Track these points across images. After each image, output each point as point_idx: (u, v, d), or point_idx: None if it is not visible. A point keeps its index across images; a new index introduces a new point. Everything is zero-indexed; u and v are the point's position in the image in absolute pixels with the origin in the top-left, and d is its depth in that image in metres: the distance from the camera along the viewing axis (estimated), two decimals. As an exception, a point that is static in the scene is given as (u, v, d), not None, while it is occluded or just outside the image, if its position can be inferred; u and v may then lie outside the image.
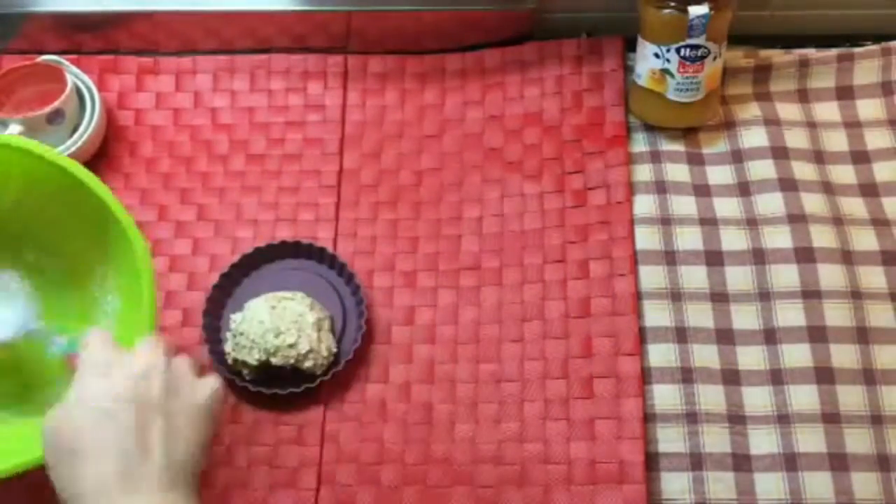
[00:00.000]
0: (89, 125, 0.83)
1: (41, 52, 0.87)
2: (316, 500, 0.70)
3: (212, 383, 0.56)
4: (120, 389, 0.51)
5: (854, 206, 0.80)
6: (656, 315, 0.75)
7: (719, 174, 0.82)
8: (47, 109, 0.80)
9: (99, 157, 0.85)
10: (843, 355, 0.72)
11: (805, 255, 0.76)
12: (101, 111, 0.84)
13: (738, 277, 0.76)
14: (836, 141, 0.84)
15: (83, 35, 0.89)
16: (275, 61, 0.89)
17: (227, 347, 0.73)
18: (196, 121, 0.88)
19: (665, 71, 0.79)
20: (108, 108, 0.87)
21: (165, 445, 0.50)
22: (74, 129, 0.83)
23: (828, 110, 0.85)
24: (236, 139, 0.87)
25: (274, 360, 0.71)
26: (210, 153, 0.86)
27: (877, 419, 0.70)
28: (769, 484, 0.69)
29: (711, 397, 0.72)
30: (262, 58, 0.89)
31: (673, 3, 0.76)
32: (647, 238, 0.78)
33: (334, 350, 0.73)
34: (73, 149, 0.81)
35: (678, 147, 0.83)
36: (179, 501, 0.49)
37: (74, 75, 0.84)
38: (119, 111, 0.88)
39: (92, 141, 0.83)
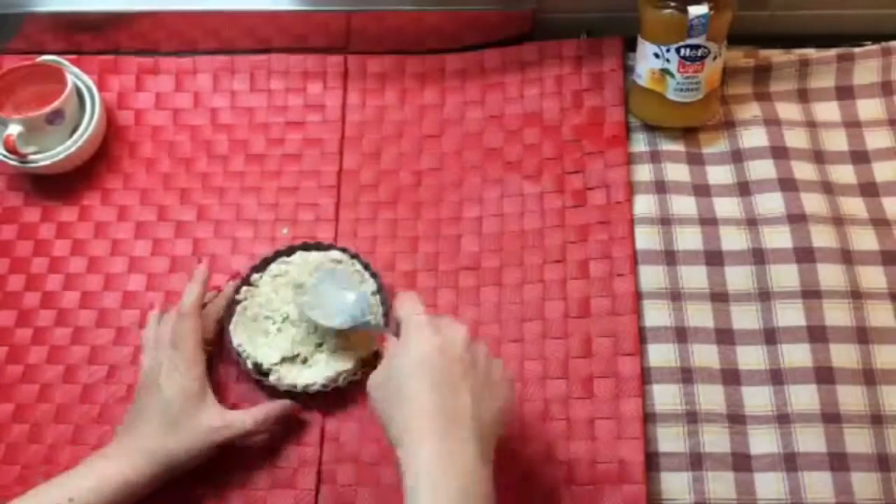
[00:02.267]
0: (89, 125, 0.83)
1: (41, 53, 0.87)
2: (316, 500, 0.71)
3: (504, 370, 0.63)
4: (441, 346, 0.59)
5: (854, 206, 0.80)
6: (656, 315, 0.75)
7: (719, 174, 0.82)
8: (47, 110, 0.80)
9: (99, 158, 0.85)
10: (843, 355, 0.72)
11: (805, 255, 0.76)
12: (101, 111, 0.84)
13: (738, 277, 0.76)
14: (836, 141, 0.83)
15: (83, 35, 0.89)
16: (274, 61, 0.89)
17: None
18: (196, 121, 0.88)
19: (665, 71, 0.79)
20: (108, 108, 0.87)
21: (473, 399, 0.58)
22: (74, 130, 0.83)
23: (828, 110, 0.85)
24: (236, 139, 0.87)
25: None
26: (210, 153, 0.86)
27: (877, 419, 0.70)
28: (769, 484, 0.69)
29: (711, 397, 0.72)
30: (262, 58, 0.89)
31: (673, 3, 0.76)
32: (646, 238, 0.78)
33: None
34: (72, 149, 0.82)
35: (678, 147, 0.83)
36: (482, 448, 0.56)
37: (74, 75, 0.85)
38: (119, 111, 0.88)
39: (92, 141, 0.83)
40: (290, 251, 0.78)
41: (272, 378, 0.73)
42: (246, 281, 0.77)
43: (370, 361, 0.74)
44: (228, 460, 0.71)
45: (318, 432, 0.73)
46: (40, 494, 0.62)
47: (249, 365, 0.73)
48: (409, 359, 0.59)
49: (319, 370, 0.73)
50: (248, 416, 0.69)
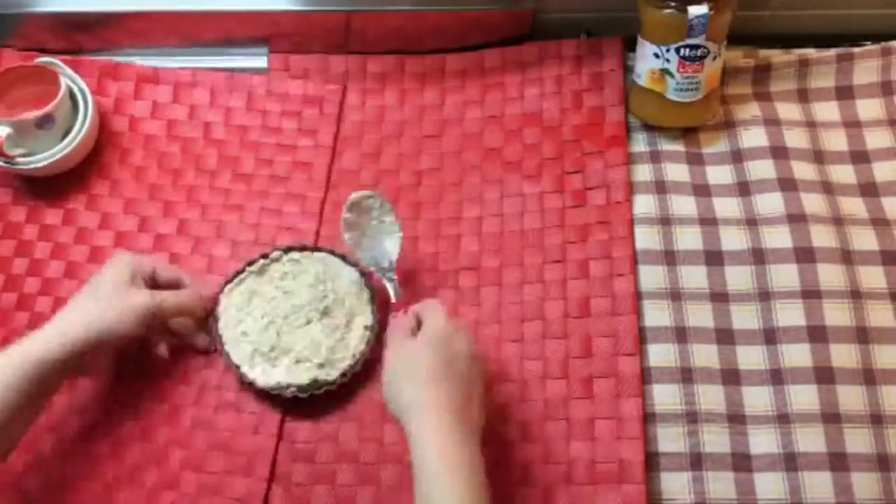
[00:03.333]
0: (80, 130, 0.82)
1: (41, 51, 0.87)
2: (310, 500, 0.70)
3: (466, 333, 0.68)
4: (452, 334, 0.66)
5: (854, 206, 0.80)
6: (656, 315, 0.75)
7: (719, 174, 0.82)
8: (37, 114, 0.80)
9: (89, 162, 0.85)
10: (843, 355, 0.72)
11: (805, 255, 0.76)
12: (94, 117, 0.84)
13: (738, 277, 0.76)
14: (836, 141, 0.83)
15: (82, 34, 0.89)
16: (273, 83, 0.89)
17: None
18: (189, 133, 0.87)
19: (665, 71, 0.79)
20: (103, 113, 0.87)
21: (475, 392, 0.65)
22: (66, 132, 0.82)
23: (828, 110, 0.85)
24: (226, 155, 0.86)
25: None
26: (198, 167, 0.85)
27: (877, 419, 0.70)
28: (769, 484, 0.69)
29: (711, 397, 0.72)
30: (261, 78, 0.89)
31: (673, 3, 0.76)
32: (646, 238, 0.78)
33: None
34: (60, 155, 0.81)
35: (678, 147, 0.83)
36: (477, 438, 0.62)
37: (70, 79, 0.84)
38: (114, 116, 0.88)
39: (82, 146, 0.83)
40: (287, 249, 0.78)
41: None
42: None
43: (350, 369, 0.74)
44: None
45: (317, 432, 0.73)
46: None
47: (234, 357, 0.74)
48: (429, 342, 0.65)
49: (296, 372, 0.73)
50: (173, 297, 0.72)
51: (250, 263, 0.78)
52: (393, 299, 0.74)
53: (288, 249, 0.78)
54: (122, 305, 0.68)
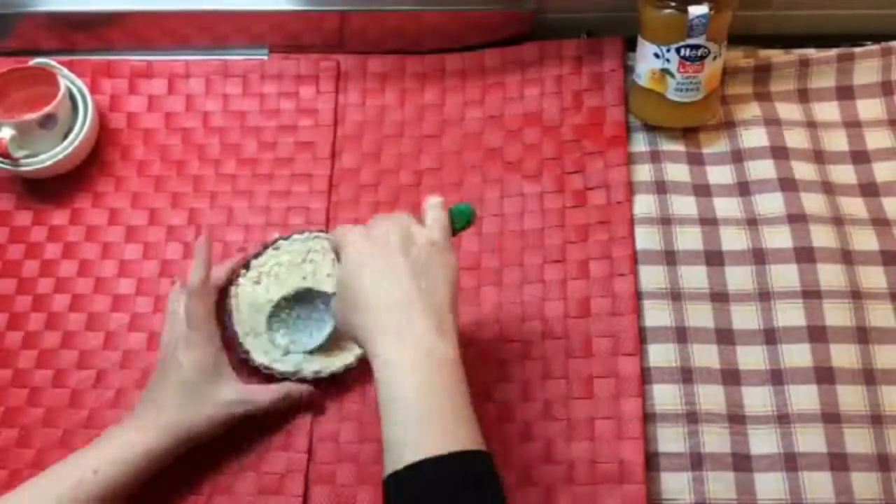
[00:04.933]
0: (81, 130, 0.82)
1: (34, 52, 0.87)
2: (305, 500, 0.70)
3: (443, 253, 0.62)
4: (372, 240, 0.61)
5: (854, 206, 0.80)
6: (656, 315, 0.75)
7: (719, 174, 0.82)
8: (40, 114, 0.79)
9: (91, 161, 0.85)
10: (843, 355, 0.72)
11: (805, 255, 0.76)
12: (94, 116, 0.84)
13: (738, 277, 0.76)
14: (836, 141, 0.83)
15: (77, 34, 0.89)
16: (268, 66, 0.89)
17: None
18: (188, 124, 0.87)
19: (665, 71, 0.79)
20: (100, 111, 0.87)
21: (415, 280, 0.59)
22: (66, 133, 0.82)
23: (828, 110, 0.85)
24: (228, 143, 0.86)
25: None
26: (202, 157, 0.86)
27: (877, 419, 0.70)
28: (769, 484, 0.69)
29: (711, 397, 0.72)
30: (255, 62, 0.89)
31: (673, 3, 0.76)
32: (647, 238, 0.78)
33: None
34: (64, 154, 0.81)
35: (678, 147, 0.83)
36: (437, 323, 0.58)
37: (67, 79, 0.84)
38: (111, 114, 0.88)
39: (84, 145, 0.83)
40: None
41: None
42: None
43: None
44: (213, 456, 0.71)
45: (317, 432, 0.73)
46: (62, 469, 0.63)
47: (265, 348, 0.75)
48: (346, 264, 0.61)
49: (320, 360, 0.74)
50: (267, 393, 0.71)
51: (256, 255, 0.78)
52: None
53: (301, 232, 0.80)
54: (211, 407, 0.68)
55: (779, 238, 0.77)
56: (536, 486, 0.70)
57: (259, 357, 0.74)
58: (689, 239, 0.78)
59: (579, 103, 0.86)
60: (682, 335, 0.74)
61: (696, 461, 0.70)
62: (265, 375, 0.74)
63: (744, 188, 0.80)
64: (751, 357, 0.73)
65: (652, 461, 0.70)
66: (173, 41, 0.90)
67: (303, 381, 0.73)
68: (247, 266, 0.78)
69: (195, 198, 0.84)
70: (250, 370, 0.74)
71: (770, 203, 0.79)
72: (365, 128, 0.87)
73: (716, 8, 0.75)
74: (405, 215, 0.63)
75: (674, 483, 0.69)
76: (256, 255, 0.78)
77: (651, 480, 0.69)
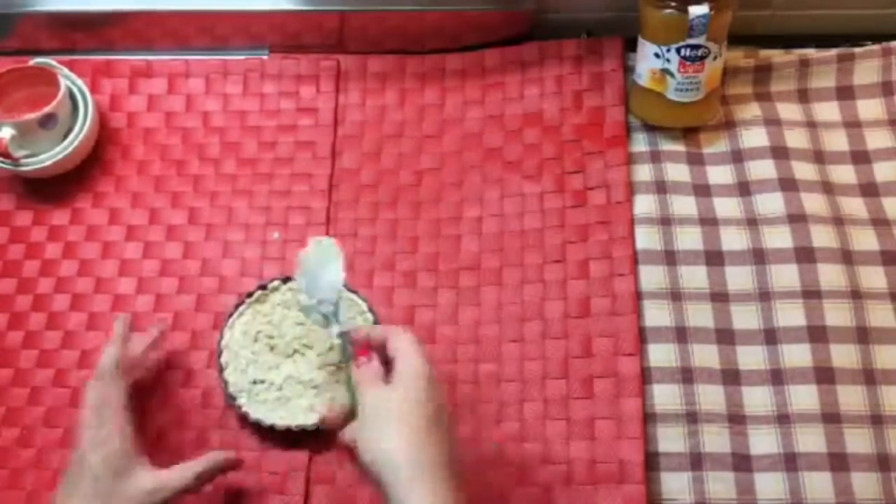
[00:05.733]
0: (82, 129, 0.82)
1: (34, 52, 0.87)
2: (306, 500, 0.70)
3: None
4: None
5: (854, 206, 0.80)
6: (656, 315, 0.75)
7: (719, 174, 0.82)
8: (40, 113, 0.79)
9: (91, 160, 0.85)
10: (843, 355, 0.72)
11: (805, 255, 0.76)
12: (94, 115, 0.84)
13: (738, 277, 0.76)
14: (836, 141, 0.83)
15: (77, 34, 0.89)
16: (268, 65, 0.89)
17: None
18: (188, 123, 0.87)
19: (665, 71, 0.79)
20: (100, 111, 0.87)
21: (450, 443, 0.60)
22: (67, 133, 0.82)
23: (828, 110, 0.85)
24: (228, 142, 0.86)
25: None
26: (202, 156, 0.86)
27: (877, 419, 0.70)
28: (769, 484, 0.69)
29: (711, 397, 0.72)
30: (255, 61, 0.89)
31: (673, 3, 0.76)
32: (647, 238, 0.78)
33: None
34: (64, 153, 0.81)
35: (678, 147, 0.83)
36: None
37: (68, 79, 0.84)
38: (111, 113, 0.88)
39: (84, 145, 0.83)
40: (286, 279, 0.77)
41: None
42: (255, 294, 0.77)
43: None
44: None
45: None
46: None
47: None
48: (406, 381, 0.61)
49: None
50: (184, 473, 0.66)
51: (240, 302, 0.76)
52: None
53: (286, 279, 0.77)
54: (127, 501, 0.62)
55: (779, 238, 0.77)
56: (536, 486, 0.70)
57: (255, 413, 0.72)
58: (689, 239, 0.78)
59: (579, 103, 0.86)
60: (682, 335, 0.74)
61: (696, 461, 0.70)
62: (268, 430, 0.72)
63: (744, 188, 0.80)
64: (751, 357, 0.73)
65: (652, 461, 0.70)
66: (173, 41, 0.90)
67: (303, 430, 0.71)
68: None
69: (195, 197, 0.84)
70: (252, 427, 0.73)
71: (770, 203, 0.79)
72: (365, 128, 0.87)
73: (716, 8, 0.75)
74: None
75: (674, 483, 0.69)
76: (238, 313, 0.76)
77: (651, 480, 0.69)
